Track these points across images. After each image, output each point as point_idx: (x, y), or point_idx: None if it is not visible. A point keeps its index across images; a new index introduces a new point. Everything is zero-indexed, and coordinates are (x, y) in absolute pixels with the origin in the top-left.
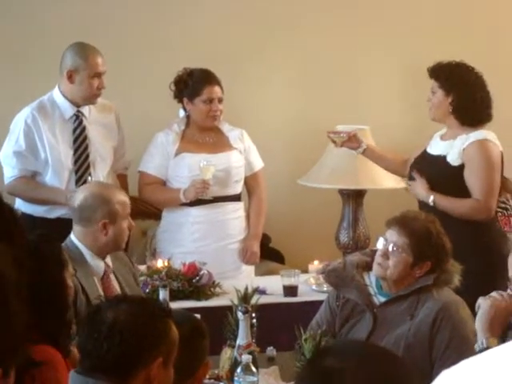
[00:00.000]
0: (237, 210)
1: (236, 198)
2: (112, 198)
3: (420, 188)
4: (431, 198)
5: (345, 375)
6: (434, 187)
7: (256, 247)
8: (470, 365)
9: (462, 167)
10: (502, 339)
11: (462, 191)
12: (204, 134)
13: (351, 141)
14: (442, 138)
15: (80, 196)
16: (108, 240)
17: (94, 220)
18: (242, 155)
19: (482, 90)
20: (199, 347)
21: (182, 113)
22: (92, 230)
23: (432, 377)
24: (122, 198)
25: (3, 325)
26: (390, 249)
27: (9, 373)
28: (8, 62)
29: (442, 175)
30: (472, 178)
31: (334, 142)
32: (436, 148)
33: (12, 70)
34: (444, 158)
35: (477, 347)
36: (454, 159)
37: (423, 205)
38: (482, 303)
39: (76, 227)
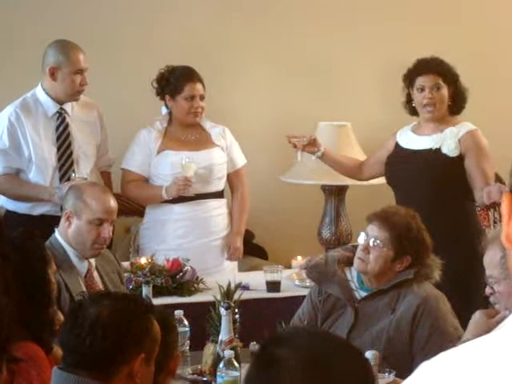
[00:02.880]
0: (219, 207)
1: (219, 194)
2: (86, 193)
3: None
4: None
5: (281, 364)
6: (426, 180)
7: (239, 243)
8: (449, 356)
9: (459, 157)
10: None
11: (460, 181)
12: (186, 132)
13: (312, 144)
14: (419, 132)
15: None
16: (71, 235)
17: (64, 209)
18: (224, 152)
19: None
20: (167, 341)
21: (164, 110)
22: (63, 220)
23: (412, 370)
24: (101, 198)
25: None
26: (371, 243)
27: (1, 369)
28: None
29: (437, 167)
30: (476, 167)
31: (295, 145)
32: (417, 142)
33: None
34: (437, 150)
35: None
36: (450, 150)
37: (401, 201)
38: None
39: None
